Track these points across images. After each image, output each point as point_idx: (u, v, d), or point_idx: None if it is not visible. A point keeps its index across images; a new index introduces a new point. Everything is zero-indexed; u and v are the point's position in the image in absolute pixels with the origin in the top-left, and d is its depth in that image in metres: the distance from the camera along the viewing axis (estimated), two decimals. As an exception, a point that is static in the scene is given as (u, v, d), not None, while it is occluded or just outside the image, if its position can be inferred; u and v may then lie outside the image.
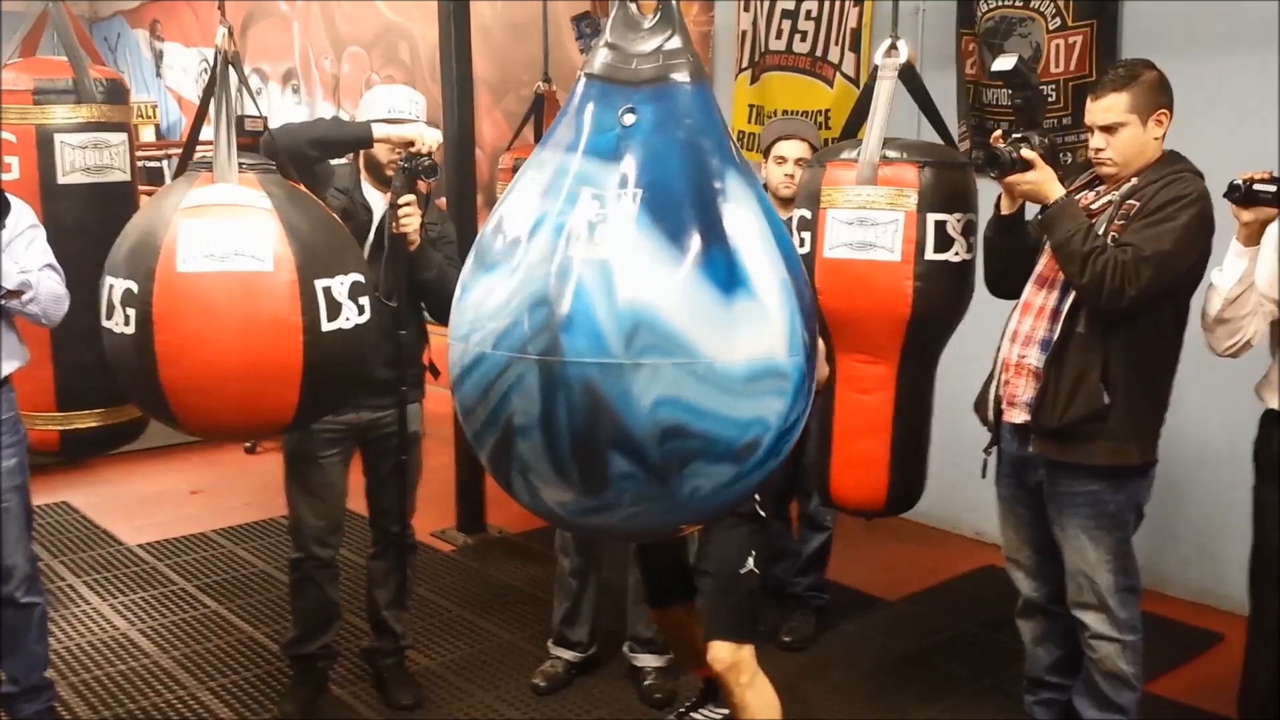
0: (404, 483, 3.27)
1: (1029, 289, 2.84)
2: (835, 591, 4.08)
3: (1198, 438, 3.91)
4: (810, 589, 3.88)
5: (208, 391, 2.49)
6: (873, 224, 2.70)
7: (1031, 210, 2.81)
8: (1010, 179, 2.67)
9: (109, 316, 2.52)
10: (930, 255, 2.71)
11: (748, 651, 2.67)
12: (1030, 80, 2.77)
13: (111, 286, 2.51)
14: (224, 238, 2.48)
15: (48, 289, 2.90)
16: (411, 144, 2.95)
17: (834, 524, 3.84)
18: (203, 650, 3.79)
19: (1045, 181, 2.65)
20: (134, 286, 2.46)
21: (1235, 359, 2.73)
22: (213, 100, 2.63)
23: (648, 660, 3.46)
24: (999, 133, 2.75)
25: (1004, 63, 2.72)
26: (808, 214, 2.84)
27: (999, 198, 2.80)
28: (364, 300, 2.65)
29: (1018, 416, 2.81)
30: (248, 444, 6.07)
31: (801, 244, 2.84)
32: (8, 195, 2.77)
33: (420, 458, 3.35)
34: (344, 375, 2.69)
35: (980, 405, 2.94)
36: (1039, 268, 2.83)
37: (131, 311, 2.45)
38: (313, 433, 3.08)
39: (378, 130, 2.95)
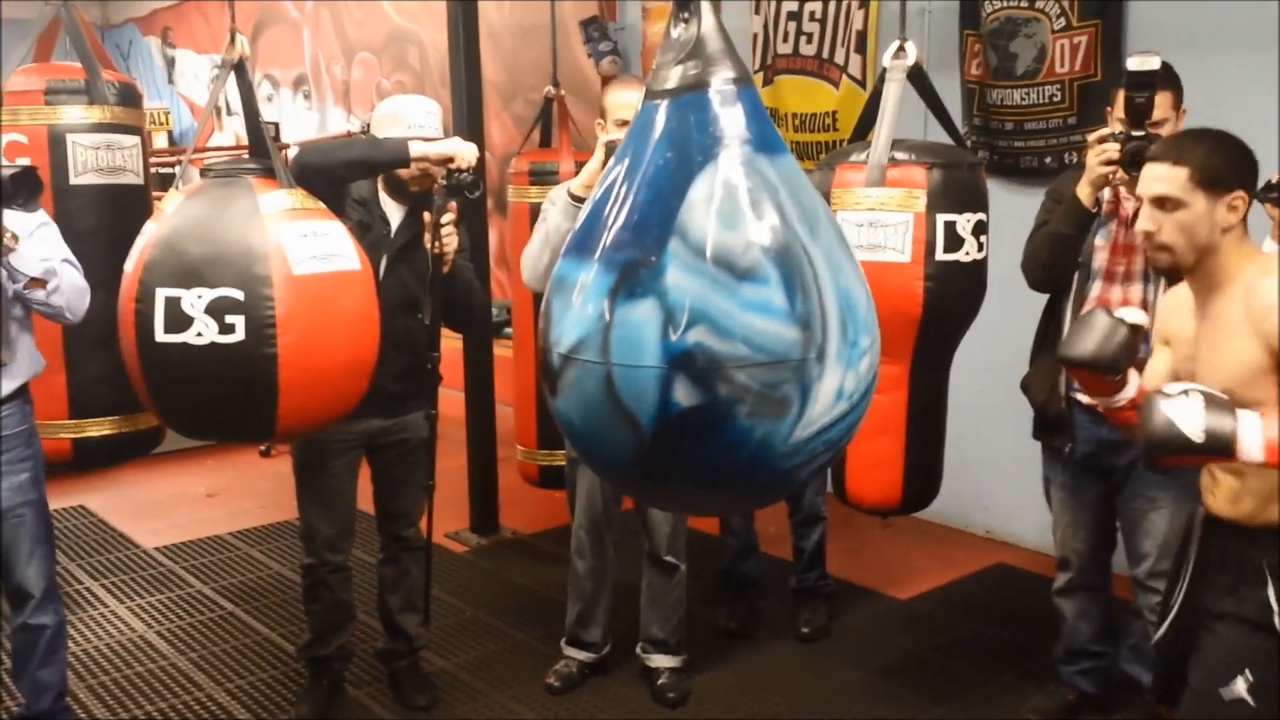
0: (416, 489, 3.29)
1: (1097, 285, 2.88)
2: (846, 590, 4.11)
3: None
4: (819, 580, 3.93)
5: (319, 390, 2.59)
6: (883, 225, 2.73)
7: None
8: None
9: (178, 329, 2.47)
10: (941, 256, 2.74)
11: None
12: (1156, 81, 2.77)
13: (180, 299, 2.47)
14: (323, 240, 2.60)
15: (71, 280, 2.81)
16: (450, 160, 2.89)
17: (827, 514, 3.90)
18: (219, 652, 3.82)
19: None
20: (236, 294, 2.46)
21: None
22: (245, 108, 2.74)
23: (661, 661, 3.48)
24: (1104, 132, 2.77)
25: (1149, 62, 2.66)
26: (817, 216, 2.86)
27: (1073, 193, 2.81)
28: None
29: None
30: (262, 447, 6.11)
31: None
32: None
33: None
34: None
35: (1051, 400, 3.00)
36: (1102, 264, 2.89)
37: (237, 319, 2.46)
38: (323, 441, 3.10)
39: (415, 149, 2.88)
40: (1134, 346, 2.13)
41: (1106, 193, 2.84)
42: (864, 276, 1.84)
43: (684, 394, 1.64)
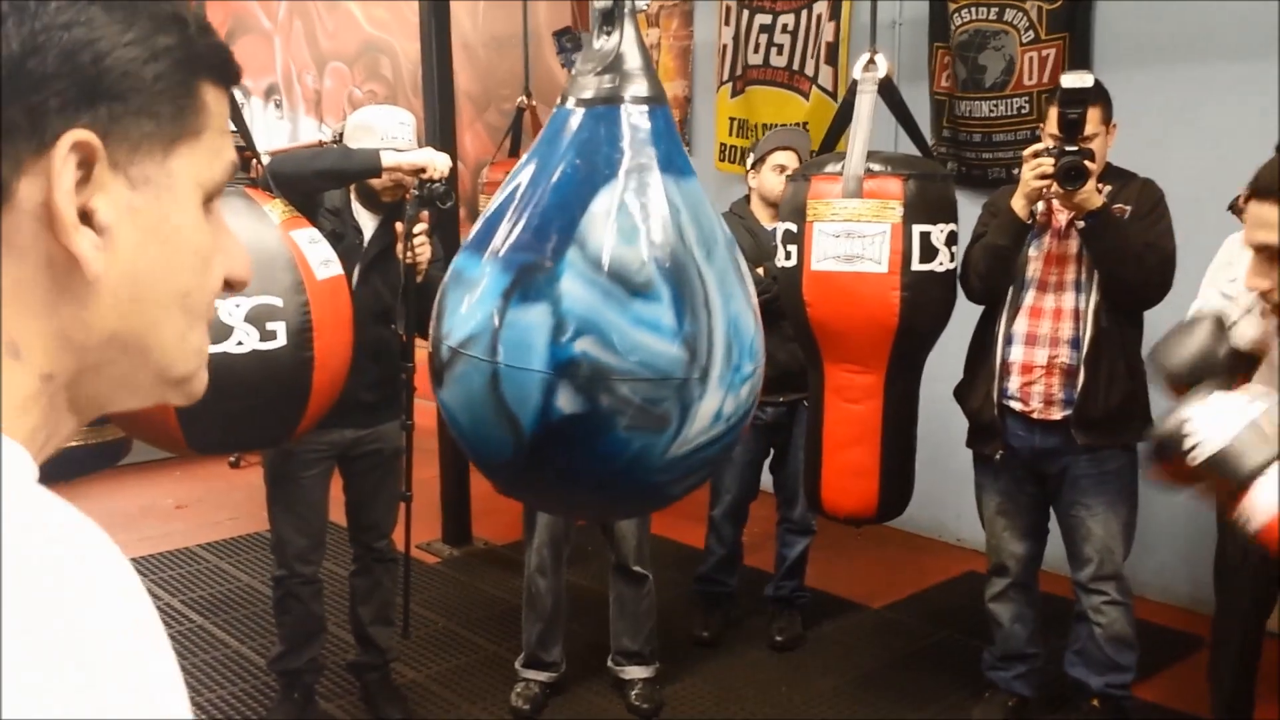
0: (389, 500, 3.28)
1: (1030, 294, 2.96)
2: (819, 598, 4.12)
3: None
4: (795, 591, 3.94)
5: (335, 388, 2.68)
6: (859, 236, 2.75)
7: None
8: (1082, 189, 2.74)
9: (217, 340, 2.46)
10: (916, 266, 2.76)
11: None
12: (1089, 98, 2.83)
13: (216, 309, 2.51)
14: (321, 246, 2.70)
15: None
16: (423, 170, 2.89)
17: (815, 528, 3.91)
18: (189, 665, 3.78)
19: (1095, 192, 2.78)
20: (274, 301, 2.51)
21: None
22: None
23: (634, 672, 3.47)
24: (1038, 147, 2.83)
25: (1082, 79, 2.74)
26: (794, 227, 2.87)
27: (1008, 206, 2.87)
28: None
29: (1056, 413, 2.95)
30: (232, 458, 6.05)
31: (788, 257, 2.89)
32: None
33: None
34: None
35: (984, 407, 3.05)
36: (1035, 274, 2.96)
37: (278, 325, 2.51)
38: (295, 452, 3.07)
39: (387, 160, 2.88)
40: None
41: (1040, 205, 2.91)
42: (755, 304, 1.88)
43: (566, 401, 1.70)
